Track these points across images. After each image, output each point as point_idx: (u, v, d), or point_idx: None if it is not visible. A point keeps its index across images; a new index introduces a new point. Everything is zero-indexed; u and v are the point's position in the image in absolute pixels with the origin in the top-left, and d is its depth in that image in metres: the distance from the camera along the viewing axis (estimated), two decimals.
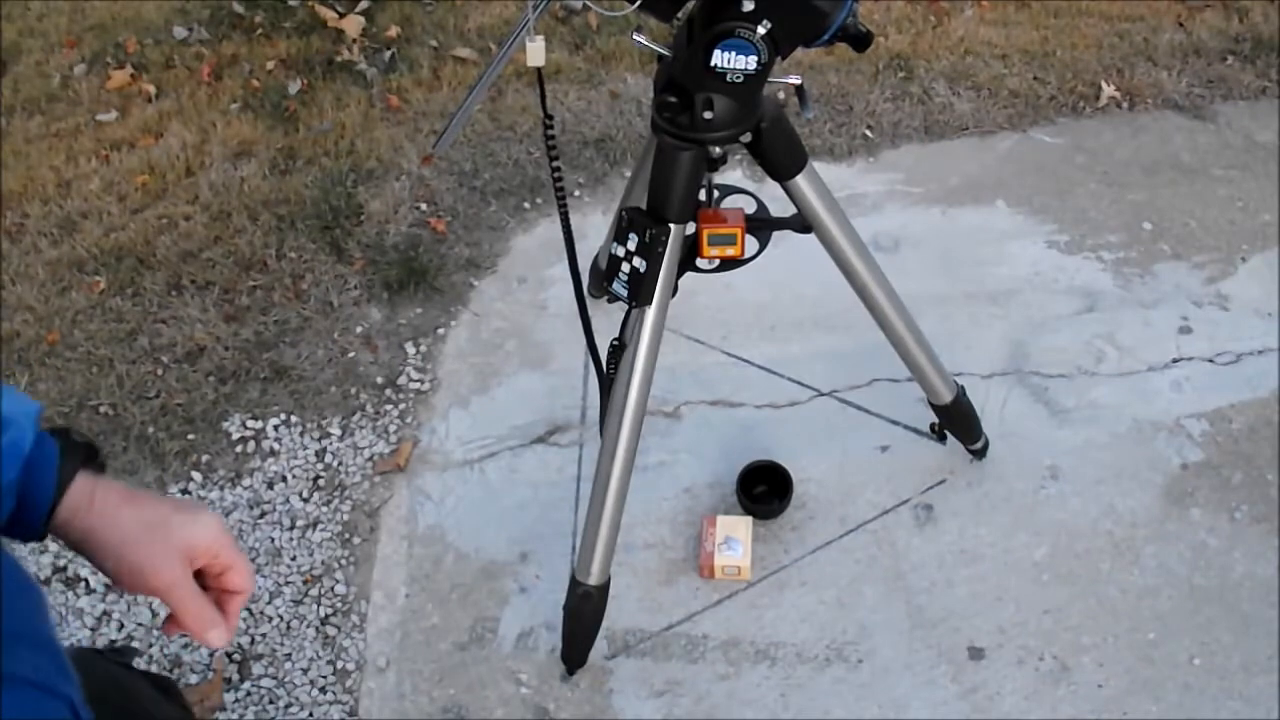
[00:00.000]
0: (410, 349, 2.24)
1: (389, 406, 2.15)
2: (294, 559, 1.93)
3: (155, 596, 0.77)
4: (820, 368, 2.18)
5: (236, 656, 1.79)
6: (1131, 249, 2.42)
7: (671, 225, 1.42)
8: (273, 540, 1.95)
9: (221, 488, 2.03)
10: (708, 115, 1.35)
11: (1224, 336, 2.23)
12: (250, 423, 2.13)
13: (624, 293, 1.47)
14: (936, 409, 1.90)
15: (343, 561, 1.92)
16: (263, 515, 1.99)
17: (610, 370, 1.57)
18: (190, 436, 2.10)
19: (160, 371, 2.21)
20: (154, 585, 0.77)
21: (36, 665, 0.65)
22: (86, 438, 0.80)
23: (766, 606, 1.84)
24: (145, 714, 0.88)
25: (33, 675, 0.64)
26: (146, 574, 0.76)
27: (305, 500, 2.01)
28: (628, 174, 2.56)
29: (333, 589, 1.89)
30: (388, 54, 2.94)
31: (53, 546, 1.92)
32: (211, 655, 1.79)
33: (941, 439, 2.04)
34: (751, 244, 1.56)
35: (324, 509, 1.99)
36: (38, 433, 0.75)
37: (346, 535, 1.96)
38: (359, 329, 2.29)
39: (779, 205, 1.61)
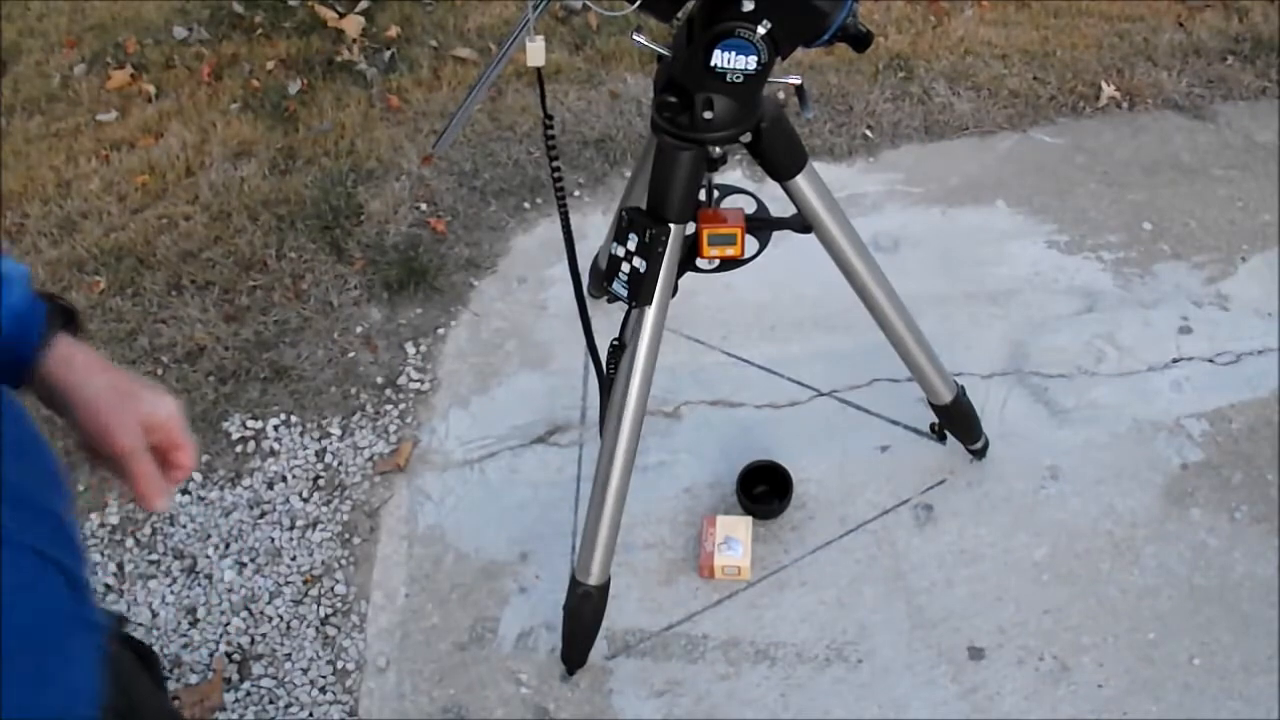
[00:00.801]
0: (410, 349, 2.24)
1: (389, 406, 2.15)
2: (294, 559, 1.93)
3: (114, 457, 0.84)
4: (820, 368, 2.18)
5: (236, 657, 1.79)
6: (1131, 249, 2.42)
7: (671, 225, 1.42)
8: (273, 540, 1.95)
9: (221, 488, 2.03)
10: (708, 115, 1.35)
11: (1224, 336, 2.23)
12: (250, 423, 2.13)
13: (624, 293, 1.47)
14: (936, 409, 1.91)
15: (343, 561, 1.92)
16: (263, 515, 1.99)
17: (610, 370, 1.57)
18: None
19: (160, 371, 2.21)
20: (117, 447, 0.84)
21: (36, 532, 0.69)
22: (70, 304, 0.89)
23: (766, 606, 1.84)
24: (122, 690, 0.89)
25: (30, 540, 0.67)
26: (112, 435, 0.83)
27: (305, 500, 2.01)
28: (628, 174, 2.56)
29: (333, 589, 1.89)
30: (388, 54, 2.94)
31: None
32: (211, 656, 1.79)
33: (941, 439, 2.04)
34: (751, 244, 1.56)
35: (324, 509, 1.99)
36: (27, 291, 0.84)
37: (346, 535, 1.96)
38: (359, 329, 2.29)
39: (779, 205, 1.61)
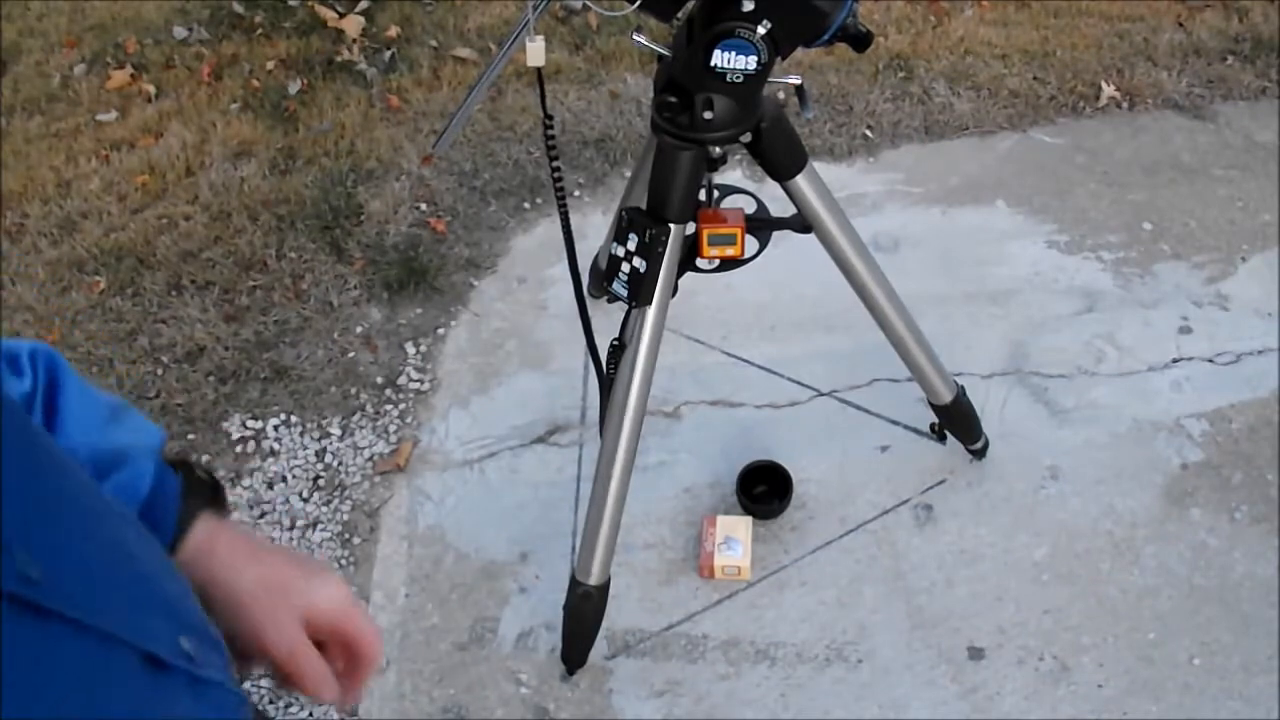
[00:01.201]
0: (410, 349, 2.24)
1: (389, 406, 2.15)
2: None
3: (272, 660, 0.72)
4: (820, 368, 2.18)
5: None
6: (1131, 249, 2.42)
7: (671, 225, 1.42)
8: (273, 540, 1.95)
9: None
10: (708, 115, 1.35)
11: (1224, 336, 2.23)
12: (250, 423, 2.13)
13: (624, 293, 1.47)
14: (936, 409, 1.90)
15: (343, 561, 1.92)
16: (263, 515, 1.99)
17: (610, 370, 1.57)
18: (190, 436, 2.10)
19: (160, 371, 2.21)
20: (272, 649, 0.72)
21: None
22: (210, 473, 0.76)
23: (766, 606, 1.84)
24: None
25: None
26: (265, 636, 0.72)
27: (305, 500, 2.01)
28: (628, 174, 2.56)
29: None
30: (388, 54, 2.94)
31: None
32: None
33: (941, 439, 2.04)
34: (751, 244, 1.56)
35: (324, 509, 1.99)
36: (158, 466, 0.71)
37: (346, 535, 1.96)
38: (359, 329, 2.29)
39: (779, 205, 1.61)
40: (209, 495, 0.75)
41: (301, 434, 2.10)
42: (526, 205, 2.54)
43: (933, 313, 2.20)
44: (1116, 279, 2.35)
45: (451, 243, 2.45)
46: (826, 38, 1.33)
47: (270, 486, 2.03)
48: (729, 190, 1.65)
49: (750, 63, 1.29)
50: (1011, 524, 1.93)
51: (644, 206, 1.44)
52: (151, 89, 2.89)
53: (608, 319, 1.74)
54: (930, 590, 1.85)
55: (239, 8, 3.12)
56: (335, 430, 2.11)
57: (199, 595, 0.69)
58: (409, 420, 2.13)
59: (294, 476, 2.04)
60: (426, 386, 2.18)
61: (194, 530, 0.71)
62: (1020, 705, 1.72)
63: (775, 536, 1.92)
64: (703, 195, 1.50)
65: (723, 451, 2.04)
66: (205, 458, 2.07)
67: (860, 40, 1.36)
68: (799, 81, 1.43)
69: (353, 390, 2.18)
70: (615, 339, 1.56)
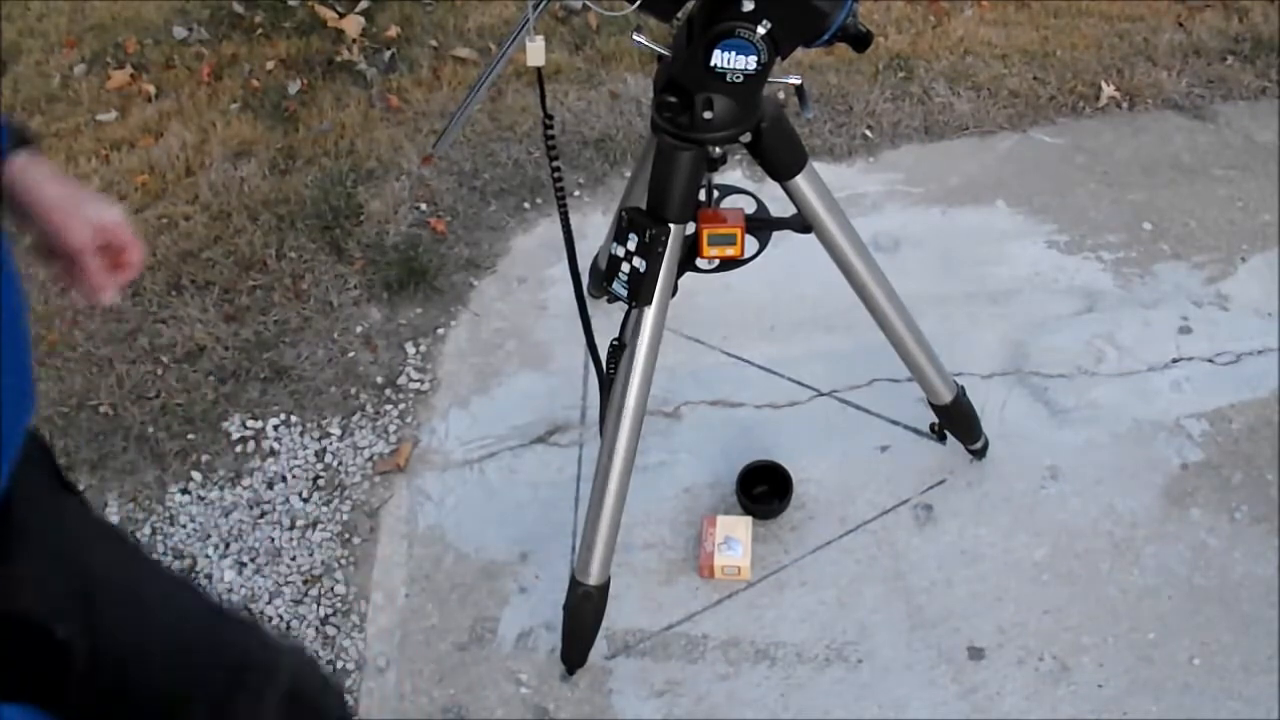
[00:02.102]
0: (410, 349, 2.24)
1: (389, 406, 2.15)
2: (294, 559, 1.93)
3: (67, 254, 0.97)
4: (820, 368, 2.18)
5: None
6: (1131, 249, 2.42)
7: (671, 225, 1.42)
8: (272, 540, 1.95)
9: (221, 488, 2.03)
10: (708, 115, 1.35)
11: (1224, 336, 2.23)
12: (250, 423, 2.13)
13: (624, 293, 1.47)
14: (936, 409, 1.91)
15: (343, 561, 1.92)
16: (263, 515, 1.99)
17: (610, 370, 1.57)
18: (190, 436, 2.10)
19: (160, 371, 2.21)
20: (69, 244, 0.97)
21: None
22: (26, 127, 0.99)
23: (766, 606, 1.84)
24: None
25: None
26: (66, 233, 0.96)
27: (305, 500, 2.01)
28: (628, 174, 2.56)
29: (332, 589, 1.89)
30: (388, 54, 2.94)
31: None
32: None
33: (941, 439, 2.04)
34: (751, 244, 1.56)
35: (324, 509, 1.99)
36: None
37: (346, 535, 1.96)
38: (359, 329, 2.29)
39: (779, 205, 1.61)
40: (30, 141, 0.98)
41: (301, 434, 2.11)
42: (526, 205, 2.54)
43: (933, 313, 2.20)
44: (1116, 279, 2.35)
45: (451, 243, 2.45)
46: (826, 38, 1.33)
47: (270, 486, 2.03)
48: (729, 190, 1.65)
49: (750, 63, 1.29)
50: (1011, 524, 1.93)
51: (644, 206, 1.44)
52: (151, 89, 2.89)
53: (608, 319, 1.74)
54: (930, 590, 1.85)
55: (239, 8, 3.12)
56: (335, 430, 2.11)
57: (13, 206, 0.94)
58: (409, 420, 2.13)
59: (294, 476, 2.04)
60: (426, 386, 2.18)
61: (19, 155, 0.96)
62: (1020, 705, 1.72)
63: (775, 536, 1.93)
64: (703, 195, 1.50)
65: (723, 451, 2.04)
66: (205, 457, 2.07)
67: (860, 40, 1.36)
68: (799, 81, 1.43)
69: (353, 390, 2.18)
70: (615, 339, 1.56)
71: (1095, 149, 2.67)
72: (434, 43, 3.00)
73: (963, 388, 1.88)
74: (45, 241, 0.97)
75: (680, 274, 1.51)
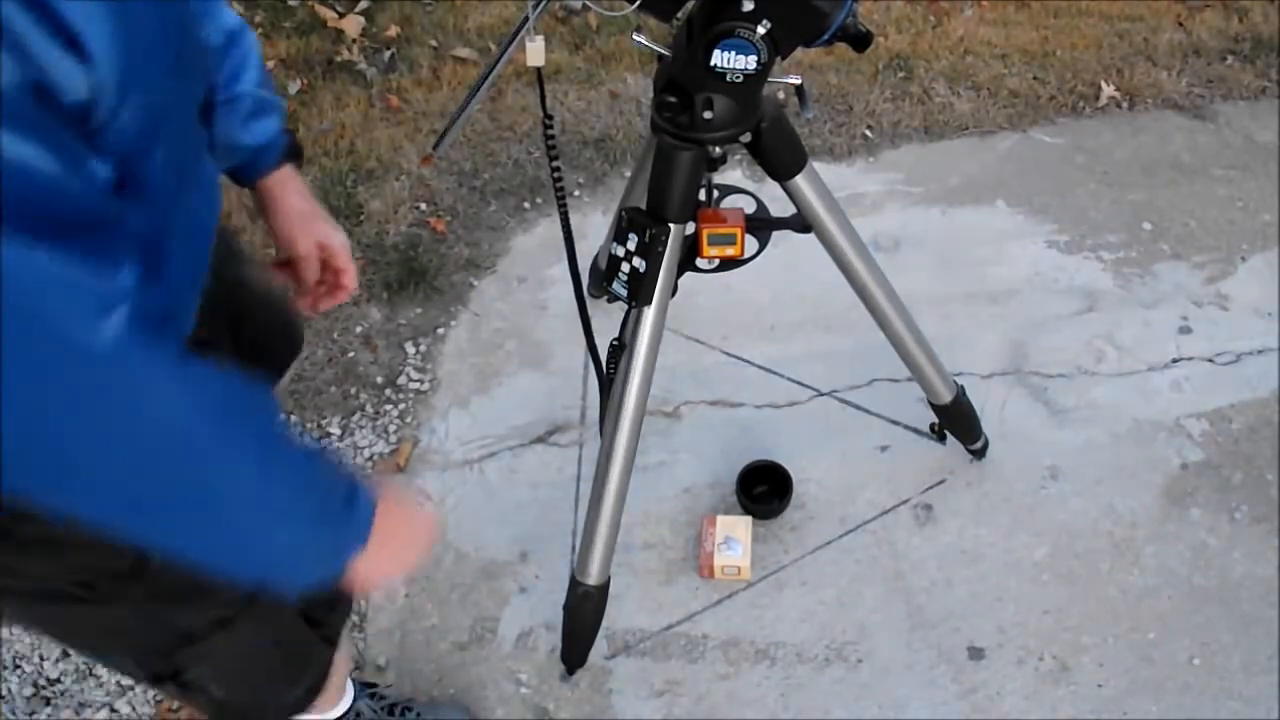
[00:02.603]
0: (410, 349, 2.24)
1: (389, 406, 2.15)
2: None
3: (293, 258, 1.14)
4: (820, 368, 2.18)
5: None
6: (1131, 249, 2.42)
7: (671, 225, 1.42)
8: None
9: None
10: (708, 115, 1.35)
11: (1224, 336, 2.23)
12: None
13: (624, 293, 1.47)
14: (936, 409, 1.91)
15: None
16: None
17: (610, 370, 1.57)
18: None
19: None
20: (295, 250, 1.13)
21: None
22: (300, 143, 1.15)
23: (766, 606, 1.84)
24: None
25: None
26: (294, 243, 1.12)
27: None
28: (628, 174, 2.56)
29: None
30: (388, 54, 2.94)
31: None
32: None
33: (941, 439, 2.04)
34: (751, 244, 1.56)
35: None
36: (283, 123, 1.11)
37: None
38: (359, 329, 2.29)
39: (779, 205, 1.61)
40: (296, 152, 1.14)
41: (301, 434, 2.10)
42: (526, 205, 2.54)
43: (933, 313, 2.20)
44: (1116, 279, 2.35)
45: (451, 243, 2.45)
46: (826, 38, 1.33)
47: None
48: (729, 190, 1.65)
49: (750, 63, 1.29)
50: (1011, 524, 1.93)
51: (644, 206, 1.44)
52: None
53: (608, 319, 1.74)
54: (930, 590, 1.85)
55: (239, 8, 3.12)
56: (335, 430, 2.11)
57: (259, 206, 1.13)
58: (409, 420, 2.13)
59: None
60: (426, 386, 2.18)
61: (282, 168, 1.12)
62: (1020, 705, 1.72)
63: (775, 536, 1.93)
64: (703, 195, 1.50)
65: (723, 451, 2.04)
66: None
67: (860, 40, 1.36)
68: (799, 81, 1.43)
69: (352, 390, 2.18)
70: (615, 339, 1.56)
71: (1095, 149, 2.67)
72: (434, 43, 3.00)
73: (963, 388, 1.88)
74: (277, 243, 1.13)
75: (680, 274, 1.51)
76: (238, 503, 0.71)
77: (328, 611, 1.22)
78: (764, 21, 1.26)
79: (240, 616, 1.02)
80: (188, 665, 1.03)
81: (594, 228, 2.44)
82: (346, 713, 1.48)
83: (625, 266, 1.45)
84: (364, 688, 1.56)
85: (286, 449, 0.75)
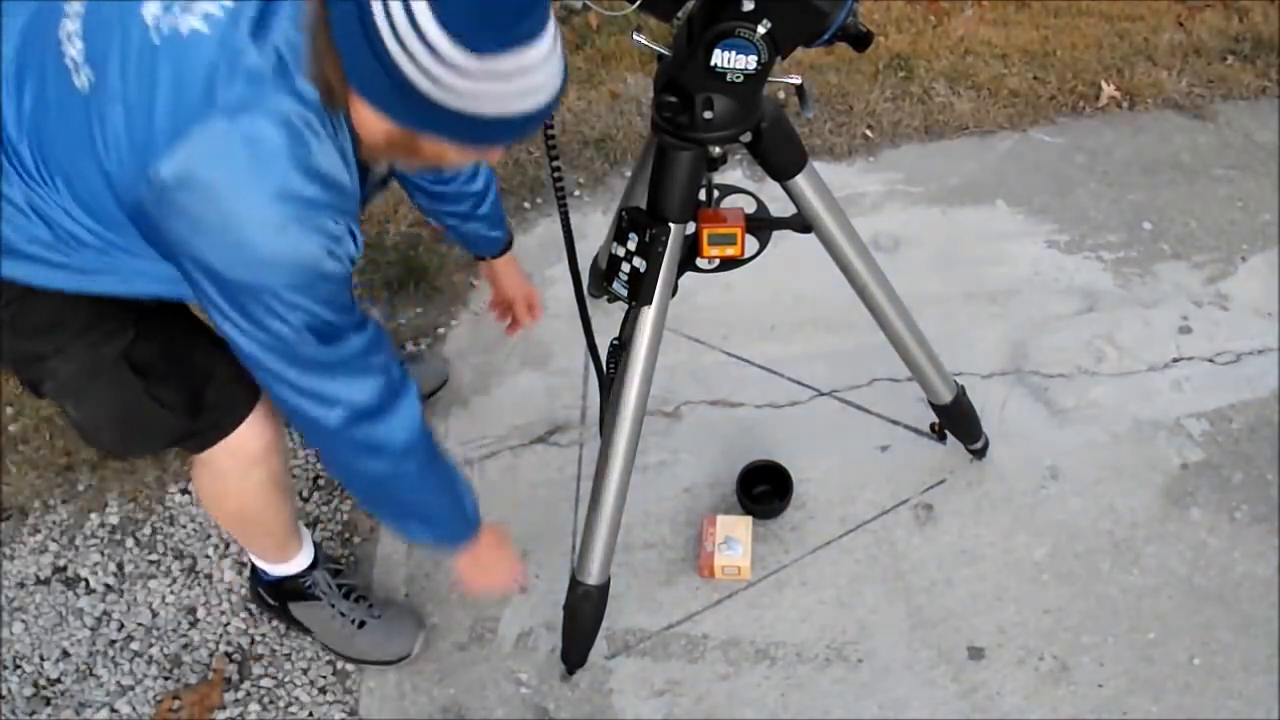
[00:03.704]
0: (410, 348, 2.24)
1: None
2: None
3: (505, 304, 1.91)
4: (820, 368, 2.18)
5: (236, 657, 1.79)
6: (1131, 249, 2.42)
7: (671, 225, 1.42)
8: None
9: None
10: (708, 115, 1.35)
11: (1224, 336, 2.23)
12: None
13: (624, 292, 1.47)
14: (936, 409, 1.91)
15: (343, 561, 1.92)
16: None
17: (610, 370, 1.57)
18: None
19: None
20: (508, 297, 1.89)
21: None
22: (512, 234, 1.84)
23: (766, 606, 1.84)
24: None
25: None
26: (509, 291, 1.88)
27: (305, 499, 2.01)
28: (628, 174, 2.56)
29: None
30: None
31: (53, 546, 1.92)
32: (211, 656, 1.79)
33: (941, 439, 2.04)
34: (751, 244, 1.56)
35: (324, 508, 1.99)
36: (507, 231, 1.83)
37: (346, 535, 1.96)
38: None
39: (779, 205, 1.62)
40: (511, 243, 1.84)
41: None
42: (526, 205, 2.54)
43: (933, 313, 2.20)
44: (1116, 279, 2.35)
45: (451, 242, 2.45)
46: (826, 37, 1.33)
47: None
48: (729, 190, 1.65)
49: (750, 62, 1.29)
50: (1011, 524, 1.94)
51: (644, 206, 1.44)
52: None
53: (608, 319, 1.74)
54: (930, 590, 1.85)
55: None
56: None
57: (493, 277, 1.87)
58: None
59: (294, 475, 2.04)
60: None
61: (507, 252, 1.84)
62: (1020, 705, 1.72)
63: (775, 536, 1.93)
64: (703, 195, 1.50)
65: (723, 451, 2.04)
66: None
67: (860, 40, 1.36)
68: (799, 81, 1.43)
69: None
70: (615, 339, 1.56)
71: (1095, 149, 2.67)
72: None
73: (963, 387, 1.88)
74: (496, 300, 1.91)
75: (680, 274, 1.51)
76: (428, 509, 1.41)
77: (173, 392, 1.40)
78: (764, 21, 1.26)
79: (69, 346, 1.29)
80: (42, 379, 1.32)
81: (594, 228, 2.44)
82: (304, 573, 1.72)
83: (625, 266, 1.45)
84: (328, 562, 1.81)
85: (450, 475, 1.41)
